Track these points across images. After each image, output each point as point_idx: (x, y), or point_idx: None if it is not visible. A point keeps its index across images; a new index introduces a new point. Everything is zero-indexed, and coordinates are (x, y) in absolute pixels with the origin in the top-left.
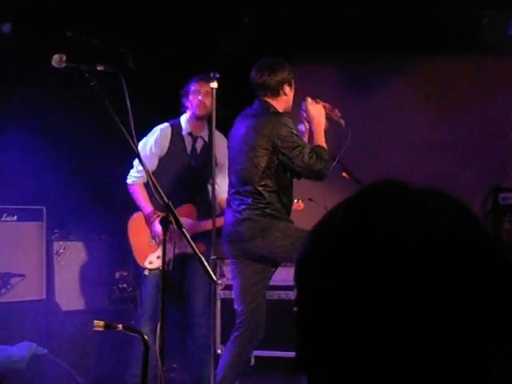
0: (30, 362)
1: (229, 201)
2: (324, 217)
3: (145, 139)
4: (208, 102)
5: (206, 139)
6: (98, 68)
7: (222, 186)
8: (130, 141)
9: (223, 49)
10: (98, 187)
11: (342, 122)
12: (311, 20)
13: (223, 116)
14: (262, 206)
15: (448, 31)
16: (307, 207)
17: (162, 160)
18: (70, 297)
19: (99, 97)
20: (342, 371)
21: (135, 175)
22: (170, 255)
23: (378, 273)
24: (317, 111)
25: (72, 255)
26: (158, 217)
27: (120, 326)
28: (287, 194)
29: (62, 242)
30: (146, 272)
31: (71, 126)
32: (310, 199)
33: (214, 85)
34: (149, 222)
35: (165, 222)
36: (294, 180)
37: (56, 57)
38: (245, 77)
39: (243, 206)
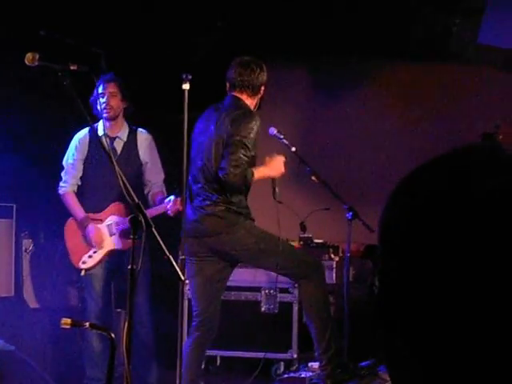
0: None
1: (190, 196)
2: (409, 179)
3: (68, 150)
4: (114, 102)
5: (125, 139)
6: (71, 67)
7: (154, 182)
8: (103, 141)
9: (197, 51)
10: None
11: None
12: (284, 24)
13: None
14: (228, 202)
15: (418, 38)
16: (276, 210)
17: (85, 164)
18: (37, 294)
19: (71, 96)
20: (425, 337)
21: (63, 185)
22: (97, 257)
23: (479, 235)
24: (276, 166)
25: (41, 253)
26: (91, 221)
27: (87, 323)
28: (247, 193)
29: (31, 240)
30: (83, 273)
31: (42, 126)
32: (279, 202)
33: (186, 86)
34: (83, 226)
35: (134, 222)
36: (262, 183)
37: (29, 55)
38: (218, 79)
39: (208, 202)
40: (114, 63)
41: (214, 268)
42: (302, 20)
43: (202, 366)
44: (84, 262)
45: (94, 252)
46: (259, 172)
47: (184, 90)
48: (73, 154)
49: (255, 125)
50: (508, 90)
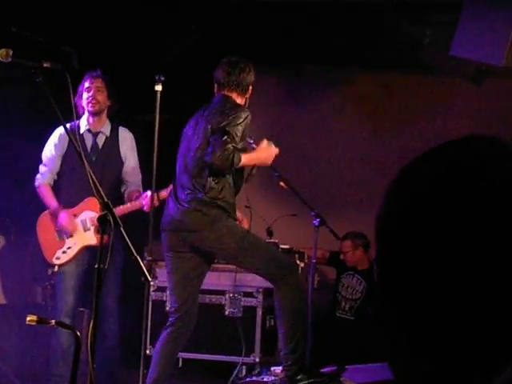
0: None
1: (175, 190)
2: (407, 171)
3: (47, 144)
4: (100, 97)
5: (108, 134)
6: (44, 65)
7: (131, 182)
8: (72, 138)
9: (170, 53)
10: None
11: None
12: (257, 32)
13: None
14: (212, 197)
15: (389, 48)
16: (244, 214)
17: (63, 159)
18: (2, 291)
19: (44, 93)
20: (426, 326)
21: (39, 177)
22: (71, 253)
23: (479, 223)
24: (267, 154)
25: (6, 250)
26: (63, 210)
27: (53, 321)
28: (234, 194)
29: (2, 236)
30: (55, 268)
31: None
32: (246, 206)
33: (159, 87)
34: (55, 217)
35: (102, 221)
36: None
37: (2, 51)
38: (191, 81)
39: (192, 196)
40: (85, 62)
41: (191, 264)
42: (276, 28)
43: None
44: (58, 258)
45: (68, 248)
46: (247, 157)
47: (156, 91)
48: (51, 150)
49: (244, 117)
50: (478, 102)
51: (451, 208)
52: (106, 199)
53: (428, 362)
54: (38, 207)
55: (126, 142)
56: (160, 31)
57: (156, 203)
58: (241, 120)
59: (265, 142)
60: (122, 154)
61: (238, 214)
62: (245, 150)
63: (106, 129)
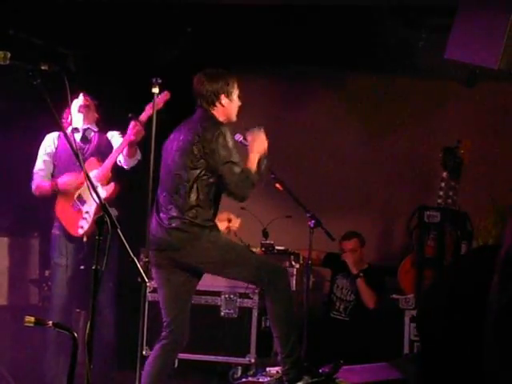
0: None
1: (157, 207)
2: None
3: (38, 157)
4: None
5: (95, 129)
6: (42, 67)
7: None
8: (70, 139)
9: (165, 56)
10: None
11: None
12: (250, 33)
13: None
14: (192, 215)
15: (384, 51)
16: (239, 216)
17: (55, 161)
18: (0, 292)
19: (42, 96)
20: None
21: (33, 181)
22: (90, 217)
23: None
24: (258, 142)
25: (4, 251)
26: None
27: (50, 322)
28: (218, 202)
29: None
30: (85, 238)
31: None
32: (242, 208)
33: (156, 90)
34: (58, 187)
35: (100, 222)
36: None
37: (0, 53)
38: (186, 84)
39: (172, 215)
40: (81, 64)
41: (181, 279)
42: (267, 30)
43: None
44: (81, 227)
45: (86, 212)
46: (252, 163)
47: (153, 94)
48: (42, 157)
49: (226, 133)
50: (471, 106)
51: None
52: (102, 201)
53: None
54: (27, 207)
55: (113, 133)
56: (156, 34)
57: (140, 129)
58: (226, 138)
59: (250, 136)
60: (113, 144)
61: (229, 215)
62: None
63: (93, 125)
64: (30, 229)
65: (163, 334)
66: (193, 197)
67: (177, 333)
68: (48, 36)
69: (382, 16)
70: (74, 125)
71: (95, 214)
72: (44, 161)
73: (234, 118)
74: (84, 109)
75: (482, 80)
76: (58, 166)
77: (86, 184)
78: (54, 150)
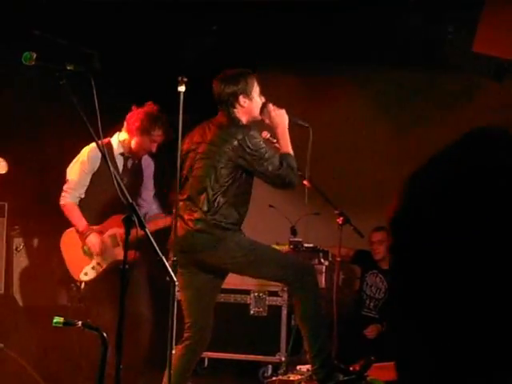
0: None
1: (179, 209)
2: (425, 166)
3: (75, 162)
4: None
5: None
6: (68, 67)
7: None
8: (96, 139)
9: (190, 54)
10: (60, 184)
11: (303, 122)
12: (276, 30)
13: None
14: (216, 217)
15: (411, 45)
16: (267, 214)
17: (93, 177)
18: (28, 292)
19: (68, 95)
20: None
21: (65, 195)
22: (100, 269)
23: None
24: (280, 117)
25: (31, 252)
26: (93, 231)
27: (79, 322)
28: (245, 204)
29: (21, 238)
30: (82, 285)
31: (31, 124)
32: (270, 206)
33: (182, 88)
34: (84, 236)
35: (127, 222)
36: (253, 187)
37: (26, 54)
38: (211, 83)
39: (196, 216)
40: (108, 65)
41: (204, 279)
42: (292, 27)
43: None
44: (86, 274)
45: (98, 263)
46: (283, 145)
47: (179, 92)
48: (80, 168)
49: (253, 138)
50: (499, 100)
51: (463, 199)
52: (130, 200)
53: (434, 361)
54: (54, 207)
55: (149, 168)
56: (181, 32)
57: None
58: (254, 138)
59: (266, 115)
60: (144, 179)
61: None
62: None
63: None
64: (58, 229)
65: (186, 335)
66: (218, 199)
67: (200, 334)
68: (73, 36)
69: (408, 11)
70: (136, 150)
71: (106, 269)
72: (82, 175)
73: (257, 116)
74: (160, 140)
75: (510, 73)
76: (92, 184)
77: (108, 236)
78: (95, 168)
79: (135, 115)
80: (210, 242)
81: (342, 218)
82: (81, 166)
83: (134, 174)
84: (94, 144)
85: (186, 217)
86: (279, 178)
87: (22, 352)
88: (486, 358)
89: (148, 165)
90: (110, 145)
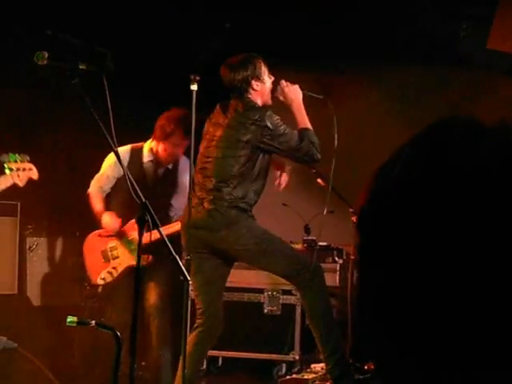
0: (0, 356)
1: (196, 189)
2: (390, 159)
3: (109, 157)
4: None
5: (170, 166)
6: (80, 67)
7: (178, 207)
8: (109, 139)
9: (203, 53)
10: (73, 184)
11: (317, 95)
12: (289, 28)
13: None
14: (232, 198)
15: (426, 42)
16: (281, 212)
17: (118, 180)
18: (41, 292)
19: (80, 95)
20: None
21: (93, 184)
22: (116, 274)
23: (458, 212)
24: (294, 93)
25: (44, 251)
26: (106, 213)
27: (93, 322)
28: (261, 184)
29: (34, 238)
30: (100, 289)
31: (46, 124)
32: (284, 204)
33: (194, 87)
34: (98, 219)
35: (141, 221)
36: (267, 184)
37: (38, 54)
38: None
39: (212, 197)
40: (121, 64)
41: (212, 265)
42: (304, 25)
43: (204, 366)
44: (102, 278)
45: (114, 268)
46: (300, 121)
47: (192, 91)
48: (107, 163)
49: (268, 113)
50: None
51: (425, 194)
52: (143, 199)
53: (415, 364)
54: (68, 206)
55: (186, 173)
56: (194, 30)
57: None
58: (273, 118)
59: (280, 92)
60: (179, 185)
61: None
62: None
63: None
64: (71, 228)
65: (198, 321)
66: (234, 180)
67: (212, 319)
68: (86, 35)
69: (422, 8)
70: (163, 156)
71: (121, 273)
72: (108, 175)
73: (269, 99)
74: (184, 144)
75: None
76: (115, 187)
77: (122, 240)
78: (121, 173)
79: (157, 121)
80: (225, 222)
81: (356, 216)
82: (109, 162)
83: (166, 180)
84: (127, 147)
85: (201, 196)
86: (301, 152)
87: (36, 352)
88: (466, 359)
89: (185, 169)
90: (140, 150)
